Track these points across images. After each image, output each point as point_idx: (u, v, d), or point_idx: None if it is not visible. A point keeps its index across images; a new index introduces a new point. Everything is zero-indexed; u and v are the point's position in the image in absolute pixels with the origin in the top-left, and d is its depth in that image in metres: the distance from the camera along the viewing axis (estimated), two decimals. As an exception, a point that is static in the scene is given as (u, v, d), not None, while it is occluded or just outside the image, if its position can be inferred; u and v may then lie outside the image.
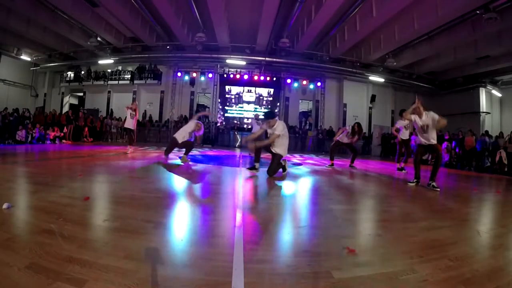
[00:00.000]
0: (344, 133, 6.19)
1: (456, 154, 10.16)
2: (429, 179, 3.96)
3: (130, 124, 6.99)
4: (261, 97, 15.18)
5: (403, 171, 5.97)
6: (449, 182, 5.58)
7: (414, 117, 4.08)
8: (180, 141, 5.22)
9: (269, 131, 4.25)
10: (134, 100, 7.54)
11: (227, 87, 15.14)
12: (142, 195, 2.61)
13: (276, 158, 4.09)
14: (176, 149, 5.70)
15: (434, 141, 4.02)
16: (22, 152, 6.33)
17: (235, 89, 15.20)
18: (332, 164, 6.10)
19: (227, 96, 15.20)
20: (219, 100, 15.06)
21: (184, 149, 5.43)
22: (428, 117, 3.94)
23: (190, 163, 5.29)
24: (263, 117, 5.28)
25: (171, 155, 5.65)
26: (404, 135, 6.10)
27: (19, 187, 2.69)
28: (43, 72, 16.19)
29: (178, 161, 5.29)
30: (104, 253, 1.33)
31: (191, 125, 5.40)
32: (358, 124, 6.13)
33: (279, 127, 4.10)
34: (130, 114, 6.95)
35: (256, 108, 14.94)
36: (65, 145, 8.96)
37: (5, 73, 13.97)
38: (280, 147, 4.13)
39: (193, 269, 1.25)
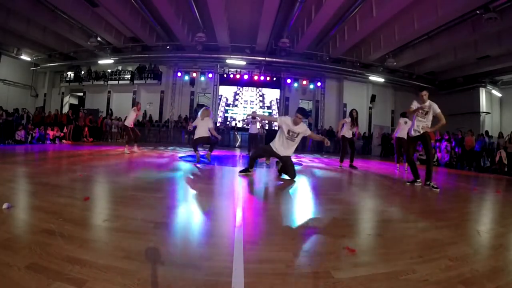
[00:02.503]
0: (346, 126, 6.19)
1: (455, 154, 10.16)
2: (425, 179, 3.94)
3: (129, 122, 7.03)
4: (259, 97, 15.24)
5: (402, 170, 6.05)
6: (449, 182, 5.58)
7: (415, 104, 4.04)
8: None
9: (288, 127, 3.96)
10: (138, 103, 7.64)
11: (227, 87, 15.17)
12: (142, 195, 2.61)
13: (290, 160, 4.02)
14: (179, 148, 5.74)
15: (428, 129, 3.95)
16: (21, 152, 6.33)
17: (235, 89, 15.22)
18: (341, 166, 6.13)
19: (226, 96, 15.25)
20: (221, 97, 15.08)
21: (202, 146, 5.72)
22: (430, 104, 3.93)
23: (199, 165, 5.22)
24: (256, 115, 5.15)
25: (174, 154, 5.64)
26: (402, 133, 6.08)
27: (19, 187, 2.69)
28: (43, 72, 16.18)
29: (181, 162, 5.29)
30: (104, 253, 1.33)
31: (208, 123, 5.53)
32: (356, 111, 6.22)
33: (304, 127, 4.01)
34: (136, 114, 7.06)
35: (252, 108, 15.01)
36: (65, 145, 8.96)
37: (5, 73, 13.97)
38: (293, 149, 4.05)
39: (193, 269, 1.25)
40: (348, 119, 6.23)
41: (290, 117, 4.03)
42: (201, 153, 5.50)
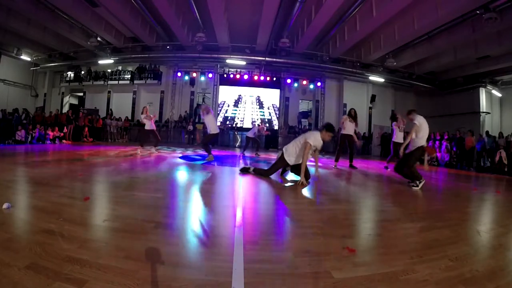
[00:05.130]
0: (346, 124, 6.16)
1: (455, 154, 10.16)
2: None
3: (149, 125, 7.30)
4: (257, 104, 15.32)
5: (387, 169, 6.26)
6: (449, 182, 5.58)
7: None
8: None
9: (316, 146, 3.78)
10: (144, 107, 7.84)
11: (227, 92, 15.20)
12: (142, 195, 2.61)
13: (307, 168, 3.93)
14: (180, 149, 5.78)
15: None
16: (21, 152, 6.33)
17: (235, 97, 15.25)
18: (336, 166, 6.12)
19: (228, 102, 15.31)
20: (223, 105, 15.13)
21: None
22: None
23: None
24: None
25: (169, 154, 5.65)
26: (398, 138, 6.25)
27: (19, 187, 2.69)
28: (43, 72, 16.19)
29: (182, 162, 5.29)
30: (104, 253, 1.33)
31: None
32: (354, 110, 6.26)
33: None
34: (147, 117, 7.28)
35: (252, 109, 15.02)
36: (65, 145, 8.96)
37: (5, 73, 13.97)
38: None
39: (193, 269, 1.25)
40: (344, 117, 6.27)
41: (317, 133, 3.79)
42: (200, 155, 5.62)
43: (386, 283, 1.21)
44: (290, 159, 3.81)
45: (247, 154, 8.52)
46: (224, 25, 10.86)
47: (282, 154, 3.90)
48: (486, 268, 1.40)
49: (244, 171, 4.16)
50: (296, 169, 4.00)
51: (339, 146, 6.39)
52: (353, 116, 6.14)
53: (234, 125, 14.82)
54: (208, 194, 2.95)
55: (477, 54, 10.91)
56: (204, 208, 2.33)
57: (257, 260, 1.36)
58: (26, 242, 1.39)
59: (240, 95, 15.26)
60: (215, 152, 8.36)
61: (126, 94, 15.33)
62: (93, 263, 1.21)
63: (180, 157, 6.59)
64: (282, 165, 3.95)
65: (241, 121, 14.94)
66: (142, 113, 7.47)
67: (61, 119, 11.44)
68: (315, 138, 3.70)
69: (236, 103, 15.30)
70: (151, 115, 7.41)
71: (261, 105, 15.35)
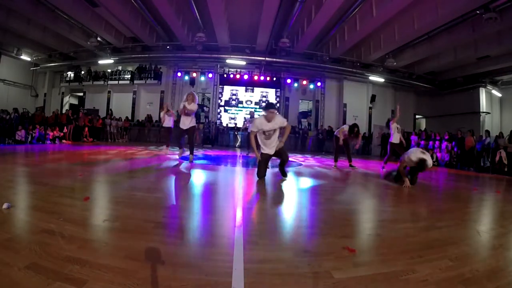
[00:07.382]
0: (344, 133, 6.16)
1: (455, 154, 10.16)
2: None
3: (168, 123, 7.41)
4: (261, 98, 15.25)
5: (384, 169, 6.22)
6: (449, 182, 5.58)
7: None
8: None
9: (262, 129, 3.79)
10: (164, 104, 7.94)
11: (227, 87, 15.17)
12: (142, 195, 2.61)
13: (282, 148, 3.89)
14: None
15: None
16: (21, 152, 6.33)
17: (235, 89, 15.23)
18: (336, 166, 6.11)
19: (226, 95, 15.28)
20: (219, 101, 15.12)
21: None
22: None
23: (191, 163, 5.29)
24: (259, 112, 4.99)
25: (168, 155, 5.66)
26: (395, 138, 6.24)
27: (19, 187, 2.69)
28: (43, 72, 16.18)
29: (182, 162, 5.29)
30: (104, 253, 1.33)
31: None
32: (357, 126, 6.09)
33: (279, 120, 3.82)
34: (168, 114, 7.43)
35: (255, 108, 14.96)
36: (65, 145, 8.96)
37: (5, 73, 13.96)
38: (276, 142, 3.91)
39: (193, 269, 1.25)
40: (346, 127, 6.17)
41: (258, 118, 3.90)
42: (185, 154, 5.63)
43: (386, 283, 1.21)
44: (264, 148, 3.90)
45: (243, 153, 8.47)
46: (224, 25, 10.86)
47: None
48: (486, 268, 1.40)
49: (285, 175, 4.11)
50: (278, 154, 3.97)
51: (335, 147, 6.40)
52: (354, 133, 5.97)
53: (234, 125, 14.81)
54: (208, 194, 2.95)
55: (477, 54, 10.90)
56: (204, 208, 2.33)
57: (257, 260, 1.36)
58: (26, 242, 1.39)
59: (239, 95, 15.24)
60: (215, 152, 8.35)
61: (126, 94, 15.32)
62: (93, 263, 1.21)
63: (180, 158, 6.58)
64: (263, 160, 3.90)
65: (244, 122, 14.93)
66: (163, 109, 7.49)
67: (61, 119, 11.43)
68: (255, 123, 3.81)
69: (236, 103, 15.29)
70: (172, 111, 7.51)
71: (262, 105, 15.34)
